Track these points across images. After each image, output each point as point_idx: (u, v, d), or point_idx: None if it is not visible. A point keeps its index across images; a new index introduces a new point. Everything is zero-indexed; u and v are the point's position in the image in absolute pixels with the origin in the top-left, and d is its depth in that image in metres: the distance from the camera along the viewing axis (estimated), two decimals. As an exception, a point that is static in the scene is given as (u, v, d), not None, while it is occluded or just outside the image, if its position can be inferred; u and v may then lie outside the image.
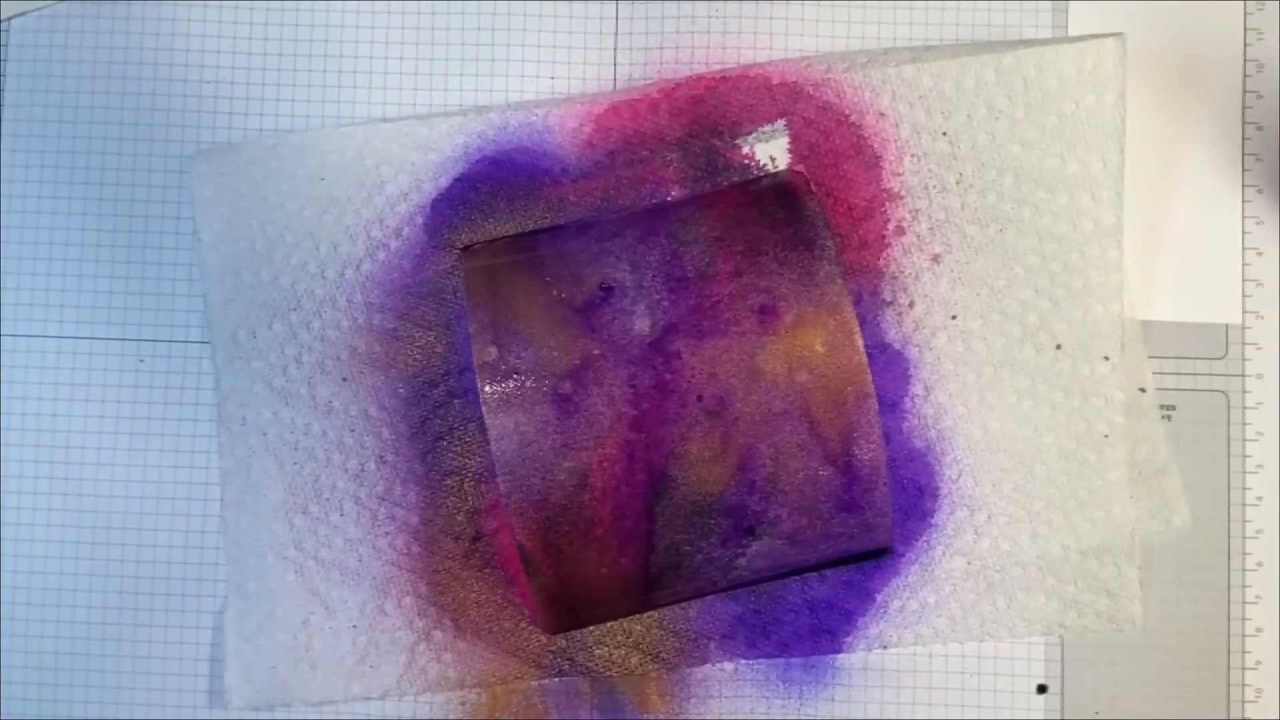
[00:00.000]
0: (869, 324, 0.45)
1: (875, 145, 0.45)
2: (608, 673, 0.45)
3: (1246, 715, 0.45)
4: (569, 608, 0.41)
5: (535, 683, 0.45)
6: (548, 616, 0.41)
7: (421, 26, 0.47)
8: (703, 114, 0.46)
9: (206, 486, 0.46)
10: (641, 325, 0.40)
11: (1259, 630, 0.45)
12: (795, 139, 0.45)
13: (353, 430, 0.45)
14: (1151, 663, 0.45)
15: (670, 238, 0.41)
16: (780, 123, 0.46)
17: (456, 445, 0.45)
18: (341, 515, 0.45)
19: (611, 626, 0.45)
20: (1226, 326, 0.46)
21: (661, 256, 0.40)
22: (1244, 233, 0.46)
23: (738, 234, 0.41)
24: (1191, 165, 0.46)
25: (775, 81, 0.46)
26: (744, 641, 0.45)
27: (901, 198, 0.45)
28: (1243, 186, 0.46)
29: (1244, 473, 0.46)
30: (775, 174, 0.44)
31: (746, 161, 0.46)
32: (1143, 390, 0.45)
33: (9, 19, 0.47)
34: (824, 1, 0.47)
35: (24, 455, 0.47)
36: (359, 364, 0.45)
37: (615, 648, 0.45)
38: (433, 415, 0.45)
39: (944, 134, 0.45)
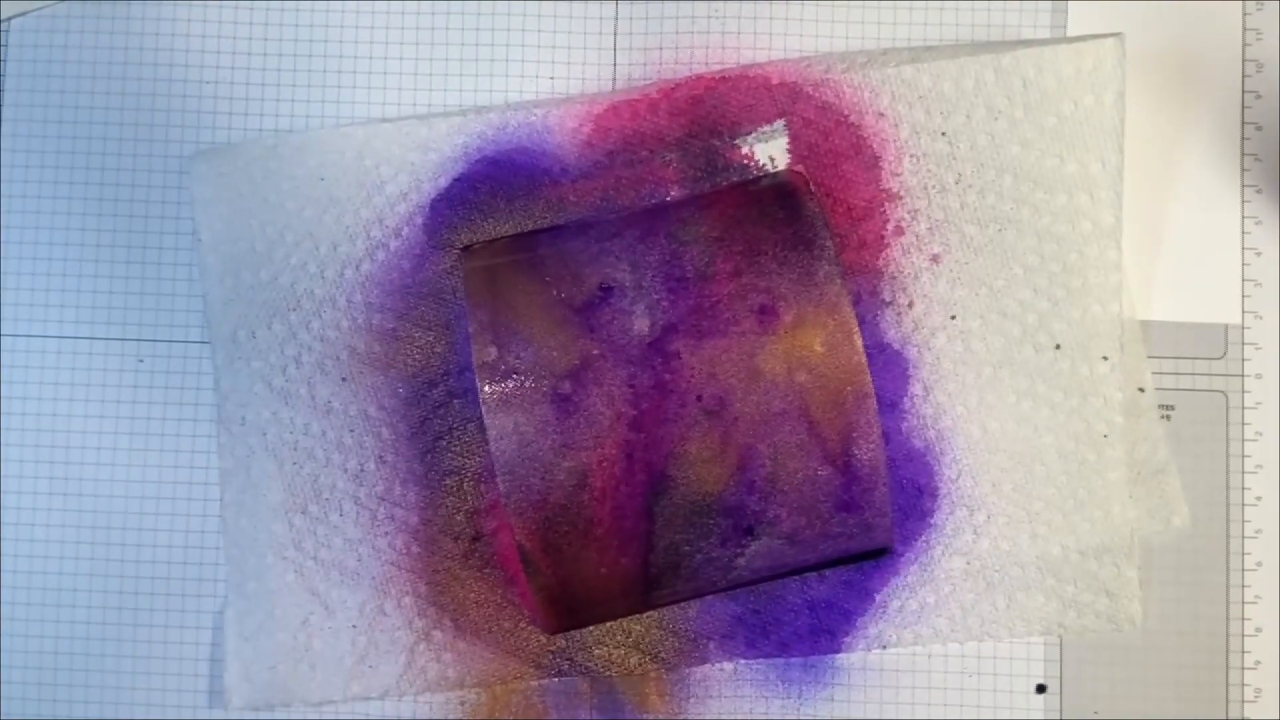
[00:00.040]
0: (868, 324, 0.45)
1: (874, 145, 0.45)
2: (607, 673, 0.45)
3: (1246, 715, 0.45)
4: (569, 608, 0.41)
5: (535, 683, 0.45)
6: (547, 616, 0.41)
7: (421, 26, 0.47)
8: (702, 114, 0.46)
9: (206, 486, 0.46)
10: (641, 325, 0.40)
11: (1259, 630, 0.45)
12: (794, 139, 0.45)
13: (352, 430, 0.45)
14: (1151, 663, 0.45)
15: (670, 238, 0.41)
16: (780, 123, 0.46)
17: (456, 445, 0.45)
18: (341, 515, 0.45)
19: (611, 626, 0.45)
20: (1226, 326, 0.46)
21: (661, 256, 0.40)
22: (1243, 233, 0.46)
23: (737, 234, 0.41)
24: (1191, 165, 0.46)
25: (775, 81, 0.46)
26: (743, 641, 0.45)
27: (901, 198, 0.45)
28: (1242, 186, 0.46)
29: (1243, 473, 0.46)
30: (775, 174, 0.44)
31: (746, 161, 0.46)
32: (1142, 390, 0.45)
33: (9, 19, 0.47)
34: (824, 1, 0.47)
35: (24, 455, 0.47)
36: (358, 364, 0.45)
37: (615, 648, 0.45)
38: (432, 415, 0.45)
39: (943, 134, 0.45)
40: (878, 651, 0.45)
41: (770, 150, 0.46)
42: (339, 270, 0.46)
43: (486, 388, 0.39)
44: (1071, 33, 0.46)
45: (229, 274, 0.46)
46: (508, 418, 0.39)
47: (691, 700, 0.45)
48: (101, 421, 0.47)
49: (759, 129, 0.46)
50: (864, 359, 0.39)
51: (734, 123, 0.46)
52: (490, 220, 0.46)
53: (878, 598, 0.45)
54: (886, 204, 0.45)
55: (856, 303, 0.45)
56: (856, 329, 0.39)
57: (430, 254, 0.46)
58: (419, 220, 0.46)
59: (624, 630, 0.45)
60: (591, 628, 0.45)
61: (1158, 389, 0.46)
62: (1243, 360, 0.46)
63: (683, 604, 0.45)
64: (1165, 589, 0.45)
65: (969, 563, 0.45)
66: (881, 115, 0.45)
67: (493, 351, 0.40)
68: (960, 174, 0.45)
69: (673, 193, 0.46)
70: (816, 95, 0.46)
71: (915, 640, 0.45)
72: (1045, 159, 0.45)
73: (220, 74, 0.47)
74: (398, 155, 0.46)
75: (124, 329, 0.47)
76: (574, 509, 0.39)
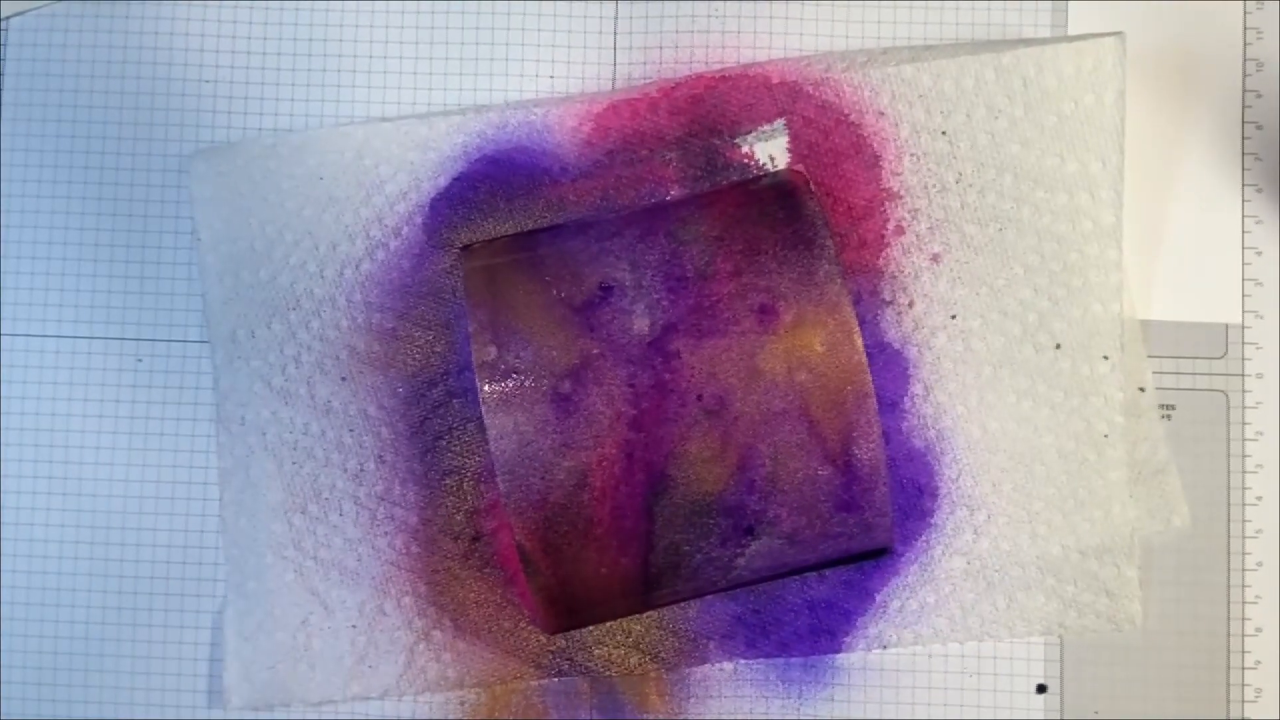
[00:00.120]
0: (868, 323, 0.45)
1: (875, 144, 0.45)
2: (607, 673, 0.45)
3: (1246, 715, 0.45)
4: (568, 608, 0.41)
5: (535, 683, 0.45)
6: (547, 616, 0.41)
7: (421, 26, 0.47)
8: (702, 113, 0.46)
9: (206, 486, 0.46)
10: (641, 325, 0.40)
11: (1259, 630, 0.45)
12: (795, 138, 0.45)
13: (352, 430, 0.45)
14: (1151, 663, 0.45)
15: (670, 237, 0.41)
16: (780, 122, 0.46)
17: (456, 445, 0.45)
18: (340, 515, 0.45)
19: (611, 626, 0.45)
20: (1226, 326, 0.46)
21: (661, 256, 0.40)
22: (1244, 232, 0.46)
23: (737, 233, 0.41)
24: (1191, 165, 0.46)
25: (775, 81, 0.46)
26: (743, 641, 0.45)
27: (901, 197, 0.45)
28: (1243, 186, 0.46)
29: (1244, 472, 0.46)
30: (775, 173, 0.44)
31: (746, 161, 0.46)
32: (1142, 390, 0.45)
33: (8, 18, 0.47)
34: (824, 1, 0.47)
35: (24, 455, 0.47)
36: (358, 363, 0.45)
37: (615, 648, 0.45)
38: (432, 415, 0.45)
39: (943, 133, 0.45)
40: (878, 651, 0.45)
41: (770, 149, 0.46)
42: (338, 269, 0.46)
43: (486, 387, 0.39)
44: (1071, 32, 0.46)
45: (228, 273, 0.46)
46: (508, 417, 0.39)
47: (691, 700, 0.45)
48: (101, 421, 0.47)
49: (759, 128, 0.46)
50: (864, 358, 0.39)
51: (734, 122, 0.46)
52: (490, 219, 0.46)
53: (878, 598, 0.45)
54: (887, 203, 0.45)
55: (857, 302, 0.45)
56: (857, 328, 0.39)
57: (430, 253, 0.46)
58: (418, 219, 0.46)
59: (624, 630, 0.45)
60: (591, 628, 0.45)
61: (1158, 389, 0.46)
62: (1243, 360, 0.46)
63: (683, 604, 0.45)
64: (1165, 589, 0.45)
65: (969, 562, 0.45)
66: (882, 114, 0.45)
67: (492, 351, 0.40)
68: (961, 173, 0.45)
69: (673, 192, 0.45)
70: (816, 94, 0.46)
71: (915, 640, 0.45)
72: (1045, 158, 0.45)
73: (220, 74, 0.47)
74: (397, 154, 0.46)
75: (123, 329, 0.47)
76: (574, 509, 0.39)
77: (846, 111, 0.45)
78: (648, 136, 0.46)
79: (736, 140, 0.46)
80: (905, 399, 0.45)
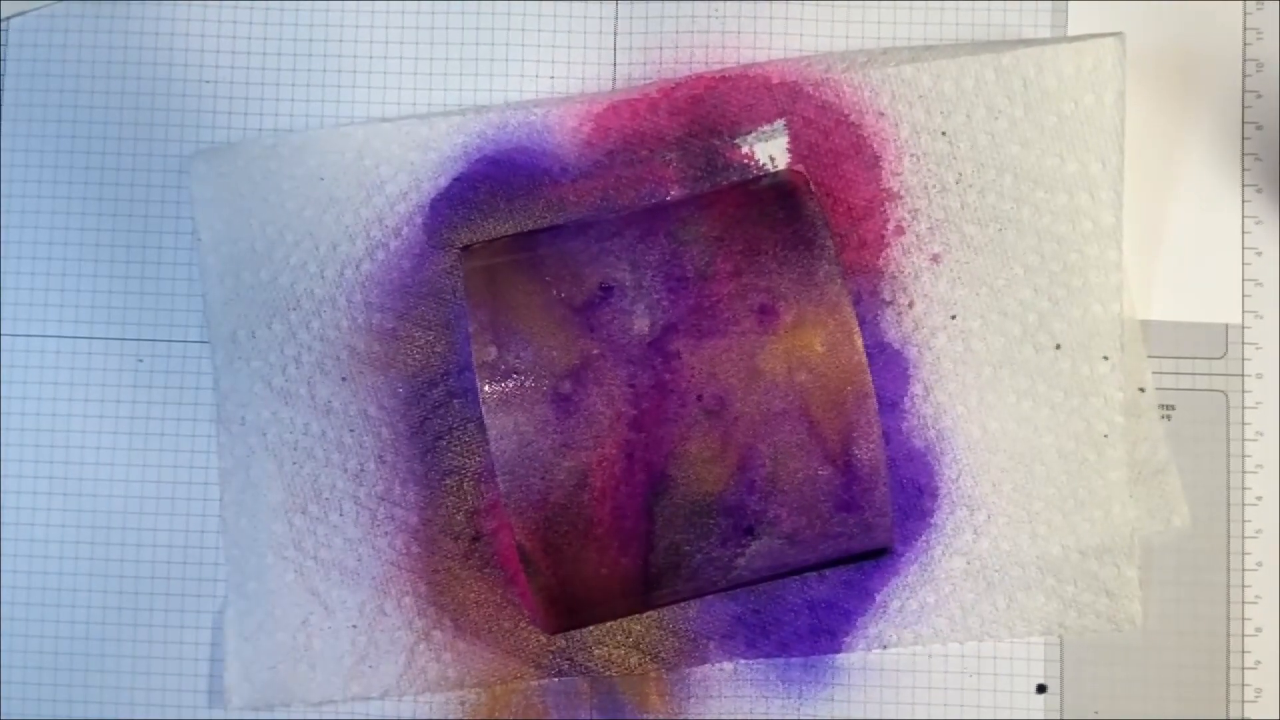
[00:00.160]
0: (868, 324, 0.45)
1: (875, 145, 0.45)
2: (607, 673, 0.45)
3: (1246, 715, 0.45)
4: (569, 608, 0.41)
5: (535, 683, 0.45)
6: (547, 616, 0.41)
7: (421, 26, 0.47)
8: (702, 114, 0.46)
9: (206, 486, 0.46)
10: (641, 325, 0.40)
11: (1259, 630, 0.45)
12: (795, 139, 0.45)
13: (352, 430, 0.45)
14: (1151, 663, 0.45)
15: (670, 237, 0.41)
16: (780, 122, 0.46)
17: (456, 445, 0.45)
18: (341, 515, 0.45)
19: (611, 626, 0.45)
20: (1226, 326, 0.46)
21: (661, 256, 0.40)
22: (1244, 232, 0.46)
23: (737, 234, 0.41)
24: (1191, 165, 0.46)
25: (775, 81, 0.46)
26: (744, 641, 0.45)
27: (901, 197, 0.45)
28: (1243, 186, 0.46)
29: (1244, 472, 0.46)
30: (775, 174, 0.44)
31: (746, 161, 0.46)
32: (1142, 390, 0.45)
33: (9, 19, 0.47)
34: (824, 1, 0.47)
35: (24, 455, 0.47)
36: (358, 364, 0.45)
37: (615, 648, 0.45)
38: (432, 415, 0.45)
39: (943, 134, 0.45)
40: (878, 651, 0.45)
41: (770, 150, 0.46)
42: (339, 270, 0.46)
43: (486, 387, 0.39)
44: (1071, 32, 0.46)
45: (229, 274, 0.46)
46: (508, 417, 0.39)
47: (691, 700, 0.45)
48: (101, 421, 0.47)
49: (759, 128, 0.46)
50: (864, 359, 0.39)
51: (734, 122, 0.46)
52: (490, 220, 0.46)
53: (878, 597, 0.45)
54: (887, 203, 0.45)
55: (857, 302, 0.45)
56: (857, 329, 0.39)
57: (430, 253, 0.46)
58: (419, 220, 0.46)
59: (624, 630, 0.45)
60: (591, 628, 0.45)
61: (1158, 389, 0.46)
62: (1243, 360, 0.46)
63: (683, 604, 0.45)
64: (1165, 589, 0.45)
65: (969, 562, 0.45)
66: (882, 114, 0.45)
67: (493, 351, 0.40)
68: (960, 173, 0.45)
69: (673, 192, 0.46)
70: (816, 95, 0.46)
71: (915, 640, 0.45)
72: (1045, 158, 0.45)
73: (220, 74, 0.47)
74: (398, 155, 0.46)
75: (124, 329, 0.47)
76: (574, 509, 0.39)
77: (846, 112, 0.45)
78: (648, 137, 0.46)
79: (736, 140, 0.46)
80: (905, 399, 0.45)
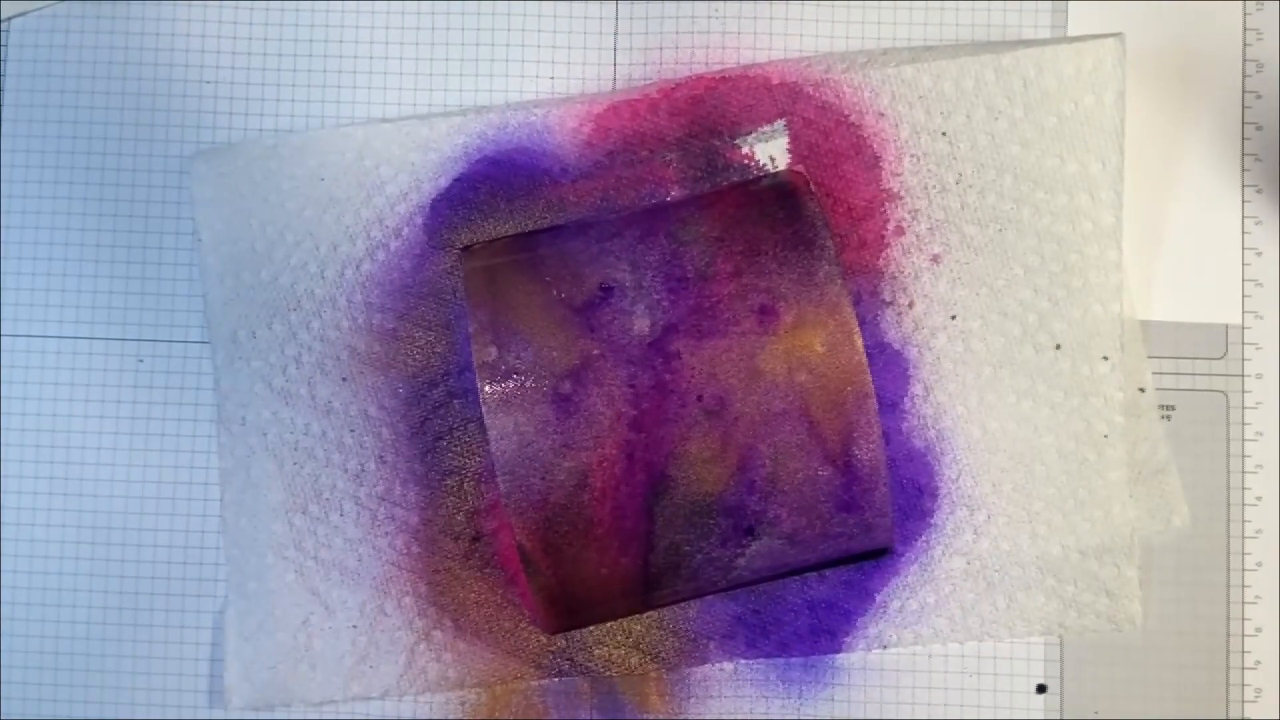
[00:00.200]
0: (868, 324, 0.45)
1: (875, 145, 0.45)
2: (608, 673, 0.45)
3: (1246, 715, 0.45)
4: (569, 608, 0.41)
5: (535, 683, 0.45)
6: (547, 616, 0.41)
7: (421, 26, 0.47)
8: (702, 114, 0.46)
9: (206, 486, 0.46)
10: (641, 325, 0.40)
11: (1259, 630, 0.45)
12: (795, 139, 0.45)
13: (352, 430, 0.45)
14: (1151, 663, 0.45)
15: (670, 238, 0.41)
16: (780, 123, 0.46)
17: (456, 445, 0.45)
18: (341, 515, 0.45)
19: (611, 626, 0.45)
20: (1226, 326, 0.46)
21: (661, 256, 0.40)
22: (1244, 233, 0.46)
23: (737, 234, 0.41)
24: (1191, 165, 0.46)
25: (775, 81, 0.46)
26: (744, 641, 0.45)
27: (901, 198, 0.45)
28: (1243, 186, 0.46)
29: (1244, 473, 0.46)
30: (775, 174, 0.44)
31: (746, 161, 0.46)
32: (1142, 390, 0.45)
33: (9, 19, 0.47)
34: (824, 1, 0.47)
35: (24, 455, 0.47)
36: (359, 364, 0.45)
37: (615, 648, 0.45)
38: (432, 415, 0.45)
39: (943, 134, 0.45)
40: (878, 651, 0.45)
41: (770, 150, 0.46)
42: (339, 270, 0.46)
43: (487, 388, 0.39)
44: (1071, 33, 0.46)
45: (229, 274, 0.46)
46: (508, 418, 0.39)
47: (691, 700, 0.45)
48: (101, 421, 0.47)
49: (759, 129, 0.46)
50: (864, 359, 0.39)
51: (734, 123, 0.46)
52: (490, 220, 0.46)
53: (878, 598, 0.45)
54: (887, 204, 0.45)
55: (857, 303, 0.45)
56: (857, 329, 0.39)
57: (430, 254, 0.46)
58: (419, 220, 0.46)
59: (624, 630, 0.45)
60: (591, 628, 0.45)
61: (1158, 389, 0.46)
62: (1243, 360, 0.46)
63: (683, 604, 0.45)
64: (1165, 589, 0.45)
65: (969, 563, 0.45)
66: (882, 115, 0.45)
67: (493, 351, 0.40)
68: (961, 174, 0.45)
69: (673, 193, 0.46)
70: (817, 95, 0.46)
71: (915, 640, 0.45)
72: (1045, 159, 0.45)
73: (220, 74, 0.47)
74: (398, 155, 0.46)
75: (124, 329, 0.47)
76: (574, 509, 0.39)
77: (847, 112, 0.45)
78: (648, 137, 0.46)
79: (737, 141, 0.46)
80: (905, 399, 0.45)
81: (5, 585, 0.46)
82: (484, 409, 0.39)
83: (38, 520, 0.46)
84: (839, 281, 0.40)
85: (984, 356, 0.45)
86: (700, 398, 0.39)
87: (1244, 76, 0.47)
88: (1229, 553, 0.46)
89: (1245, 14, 0.47)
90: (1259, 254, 0.46)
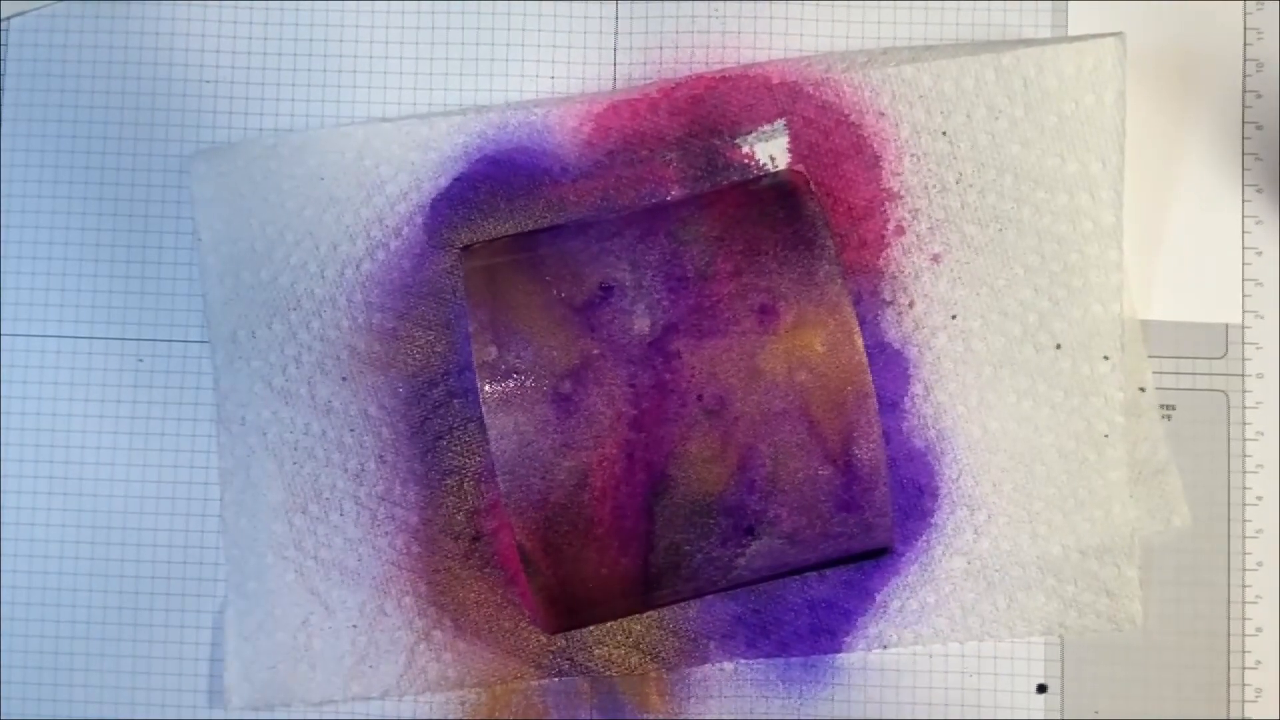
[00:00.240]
0: (869, 323, 0.45)
1: (875, 145, 0.45)
2: (608, 672, 0.45)
3: (1246, 715, 0.45)
4: (569, 608, 0.41)
5: (535, 682, 0.45)
6: (547, 616, 0.41)
7: (421, 26, 0.47)
8: (702, 114, 0.46)
9: (206, 486, 0.46)
10: (641, 325, 0.40)
11: (1259, 630, 0.45)
12: (795, 139, 0.45)
13: (352, 430, 0.45)
14: (1151, 663, 0.45)
15: (670, 237, 0.41)
16: (780, 122, 0.46)
17: (456, 445, 0.45)
18: (341, 515, 0.45)
19: (611, 626, 0.45)
20: (1226, 326, 0.46)
21: (661, 256, 0.40)
22: (1244, 232, 0.46)
23: (737, 234, 0.41)
24: (1191, 165, 0.46)
25: (775, 81, 0.46)
26: (744, 641, 0.45)
27: (901, 197, 0.45)
28: (1243, 186, 0.46)
29: (1244, 472, 0.46)
30: (775, 174, 0.44)
31: (746, 161, 0.46)
32: (1142, 390, 0.45)
33: (9, 18, 0.47)
34: (824, 1, 0.47)
35: (24, 455, 0.47)
36: (359, 363, 0.45)
37: (615, 648, 0.45)
38: (432, 415, 0.45)
39: (944, 133, 0.45)
40: (878, 651, 0.45)
41: (770, 149, 0.46)
42: (339, 270, 0.46)
43: (487, 387, 0.39)
44: (1072, 32, 0.46)
45: (229, 274, 0.46)
46: (508, 417, 0.39)
47: (691, 700, 0.45)
48: (101, 421, 0.47)
49: (759, 128, 0.46)
50: (864, 359, 0.39)
51: (734, 122, 0.46)
52: (490, 220, 0.46)
53: (878, 597, 0.45)
54: (887, 203, 0.45)
55: (857, 302, 0.45)
56: (857, 329, 0.39)
57: (430, 253, 0.46)
58: (419, 220, 0.46)
59: (624, 630, 0.45)
60: (591, 628, 0.45)
61: (1158, 389, 0.46)
62: (1243, 360, 0.46)
63: (683, 604, 0.45)
64: (1165, 589, 0.45)
65: (969, 562, 0.45)
66: (882, 114, 0.45)
67: (493, 351, 0.40)
68: (961, 173, 0.45)
69: (673, 192, 0.46)
70: (817, 95, 0.46)
71: (915, 640, 0.45)
72: (1046, 158, 0.45)
73: (220, 74, 0.47)
74: (398, 155, 0.46)
75: (124, 329, 0.47)
76: (574, 509, 0.39)
77: (847, 112, 0.45)
78: (648, 137, 0.46)
79: (737, 140, 0.46)
80: (905, 399, 0.45)
81: (5, 585, 0.46)
82: (484, 408, 0.39)
83: (38, 520, 0.46)
84: (839, 281, 0.40)
85: (984, 356, 0.45)
86: (700, 397, 0.39)
87: (1244, 76, 0.47)
88: (1229, 553, 0.46)
89: (1245, 14, 0.47)
90: (1259, 253, 0.46)
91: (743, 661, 0.45)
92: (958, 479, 0.45)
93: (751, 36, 0.47)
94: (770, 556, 0.41)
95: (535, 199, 0.46)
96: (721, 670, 0.45)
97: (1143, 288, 0.46)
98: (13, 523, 0.46)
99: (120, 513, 0.46)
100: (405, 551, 0.45)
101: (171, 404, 0.46)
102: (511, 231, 0.45)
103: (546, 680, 0.45)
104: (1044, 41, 0.45)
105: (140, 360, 0.47)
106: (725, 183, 0.45)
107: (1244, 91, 0.47)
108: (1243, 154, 0.46)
